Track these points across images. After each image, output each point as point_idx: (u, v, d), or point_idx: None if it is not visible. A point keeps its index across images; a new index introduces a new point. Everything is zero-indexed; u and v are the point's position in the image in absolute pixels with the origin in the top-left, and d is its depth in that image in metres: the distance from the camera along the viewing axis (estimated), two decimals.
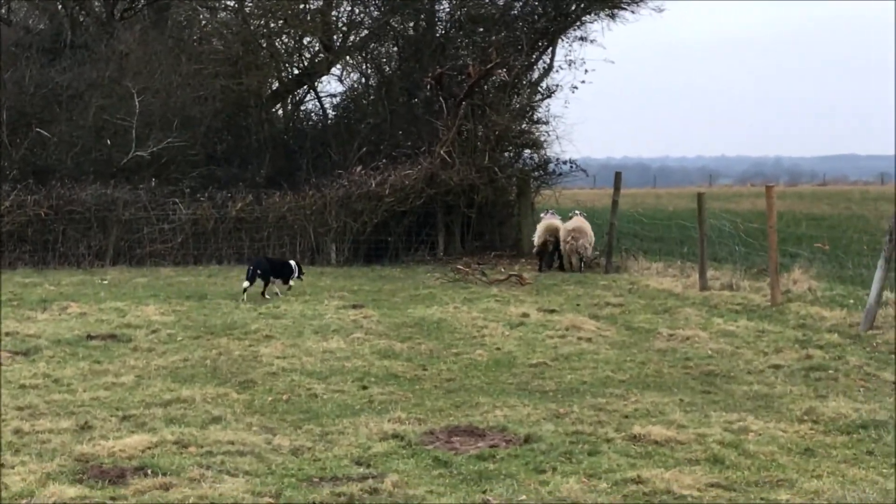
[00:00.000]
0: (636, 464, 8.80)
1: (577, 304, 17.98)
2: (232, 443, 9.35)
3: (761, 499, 7.95)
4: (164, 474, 8.42)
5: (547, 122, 28.47)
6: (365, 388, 11.80)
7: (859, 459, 9.05)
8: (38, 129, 27.21)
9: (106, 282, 21.94)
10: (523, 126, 27.85)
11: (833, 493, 8.05)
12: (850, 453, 9.24)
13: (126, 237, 25.59)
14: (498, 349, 14.13)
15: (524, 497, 7.99)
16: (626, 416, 10.47)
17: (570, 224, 23.47)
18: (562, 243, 23.32)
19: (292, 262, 20.09)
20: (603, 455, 9.04)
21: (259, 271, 18.99)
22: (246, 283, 18.67)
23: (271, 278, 19.21)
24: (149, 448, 9.14)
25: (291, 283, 19.66)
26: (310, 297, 19.03)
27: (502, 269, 23.30)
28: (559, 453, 9.08)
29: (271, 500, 7.90)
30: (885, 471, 8.69)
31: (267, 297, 18.85)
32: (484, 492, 8.12)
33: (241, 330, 15.34)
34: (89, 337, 14.70)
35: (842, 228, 31.84)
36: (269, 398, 11.32)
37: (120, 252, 25.47)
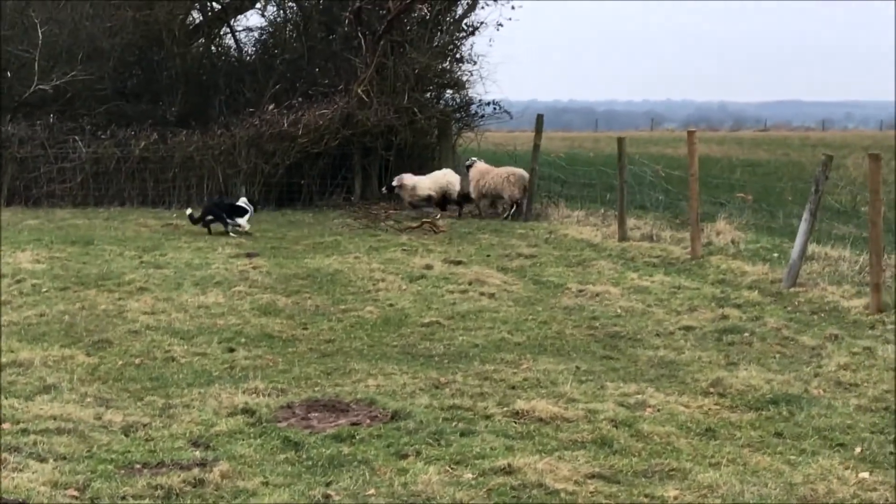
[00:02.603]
0: (513, 447, 7.71)
1: (488, 255, 16.87)
2: (55, 418, 8.17)
3: (645, 496, 6.86)
4: None
5: (474, 62, 27.12)
6: (231, 350, 10.65)
7: (765, 443, 8.00)
8: None
9: None
10: (445, 65, 26.53)
11: (730, 487, 6.99)
12: (755, 435, 8.19)
13: (22, 176, 24.12)
14: (391, 305, 12.99)
15: (372, 491, 6.86)
16: (513, 387, 9.38)
17: (501, 170, 22.33)
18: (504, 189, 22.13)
19: (243, 201, 20.05)
20: (477, 436, 7.94)
21: (211, 217, 19.36)
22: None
23: (228, 220, 19.35)
24: None
25: (241, 222, 19.46)
26: (205, 243, 17.79)
27: (416, 216, 22.10)
28: (428, 433, 7.96)
29: (75, 494, 6.73)
30: (791, 458, 7.65)
31: (232, 234, 19.01)
32: (328, 484, 6.99)
33: (115, 281, 14.09)
34: None
35: (777, 175, 30.93)
36: (120, 362, 10.13)
37: (15, 192, 24.01)
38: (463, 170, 23.17)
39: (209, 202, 21.01)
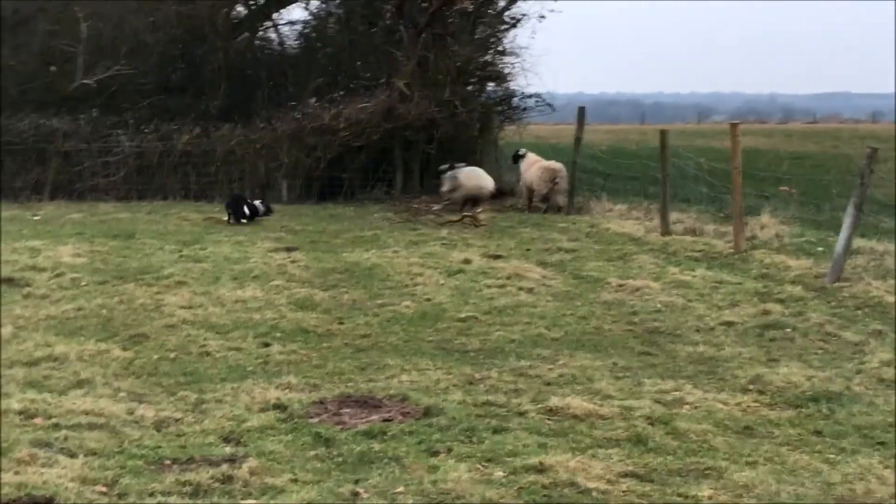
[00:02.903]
0: (545, 444, 7.61)
1: (527, 249, 16.74)
2: (87, 413, 8.15)
3: (679, 495, 6.74)
4: None
5: (518, 55, 26.91)
6: (266, 345, 10.59)
7: (804, 441, 7.86)
8: None
9: (38, 217, 20.66)
10: (487, 57, 26.37)
11: (766, 487, 6.86)
12: (794, 433, 8.04)
13: (66, 170, 24.22)
14: (428, 300, 12.90)
15: (401, 489, 6.78)
16: (548, 384, 9.27)
17: (546, 164, 22.24)
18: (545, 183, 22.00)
19: (258, 203, 20.57)
20: (510, 433, 7.84)
21: (231, 211, 20.06)
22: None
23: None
24: None
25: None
26: (245, 237, 17.79)
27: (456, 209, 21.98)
28: (460, 430, 7.88)
29: (103, 490, 6.69)
30: (830, 457, 7.50)
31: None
32: (357, 481, 6.92)
33: (154, 275, 14.08)
34: None
35: (825, 168, 30.54)
36: (155, 356, 10.10)
37: (59, 186, 24.09)
38: (504, 163, 23.05)
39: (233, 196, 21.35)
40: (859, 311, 12.30)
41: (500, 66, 26.62)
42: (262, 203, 20.74)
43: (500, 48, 26.70)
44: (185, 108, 26.11)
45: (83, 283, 13.53)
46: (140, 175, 24.32)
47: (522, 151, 23.14)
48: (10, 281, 13.49)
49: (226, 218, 20.06)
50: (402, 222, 20.47)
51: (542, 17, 26.68)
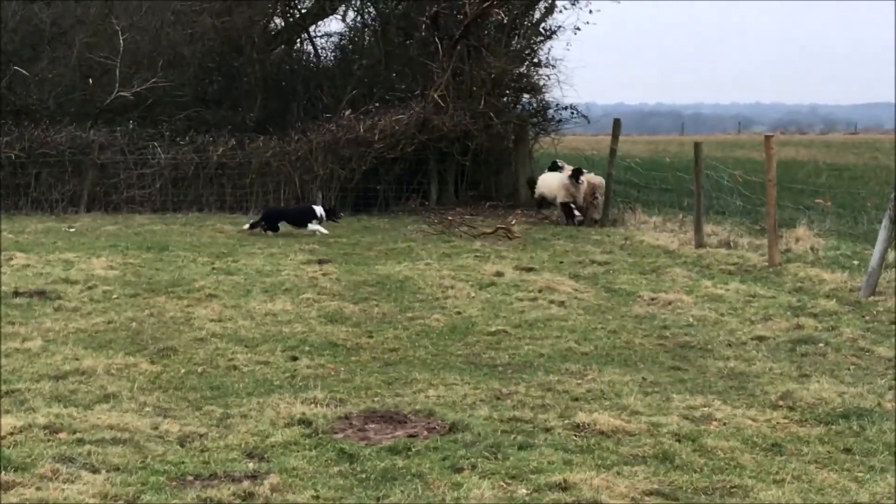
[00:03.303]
0: (571, 461, 7.53)
1: (560, 262, 16.67)
2: (112, 427, 8.13)
3: None
4: (14, 469, 7.18)
5: (553, 66, 26.85)
6: (295, 359, 10.56)
7: (833, 459, 7.74)
8: (16, 68, 25.91)
9: (73, 230, 20.79)
10: (522, 69, 26.34)
11: None
12: (823, 451, 7.93)
13: (102, 182, 24.38)
14: (458, 313, 12.84)
15: None
16: (576, 399, 9.19)
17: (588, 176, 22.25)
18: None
19: (317, 208, 20.71)
20: (535, 449, 7.77)
21: (262, 222, 20.24)
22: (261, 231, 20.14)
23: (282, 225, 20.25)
24: (11, 434, 7.91)
25: (312, 227, 20.13)
26: (278, 249, 17.81)
27: (491, 221, 21.95)
28: (485, 446, 7.81)
29: None
30: (859, 475, 7.38)
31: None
32: (379, 499, 6.87)
33: (185, 287, 14.12)
34: (16, 293, 13.48)
35: (863, 180, 30.27)
36: (183, 370, 10.08)
37: (95, 198, 24.27)
38: (540, 174, 23.00)
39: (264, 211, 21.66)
40: (893, 326, 12.14)
41: (536, 77, 26.66)
42: (326, 208, 20.92)
43: (535, 59, 26.71)
44: (221, 120, 26.27)
45: (114, 296, 13.57)
46: (175, 187, 24.44)
47: (561, 163, 23.11)
48: (41, 294, 13.55)
49: (252, 228, 20.26)
50: (436, 234, 20.45)
51: (578, 28, 26.72)
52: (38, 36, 27.11)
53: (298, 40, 30.08)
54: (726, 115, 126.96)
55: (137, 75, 26.22)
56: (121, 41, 26.04)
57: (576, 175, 21.77)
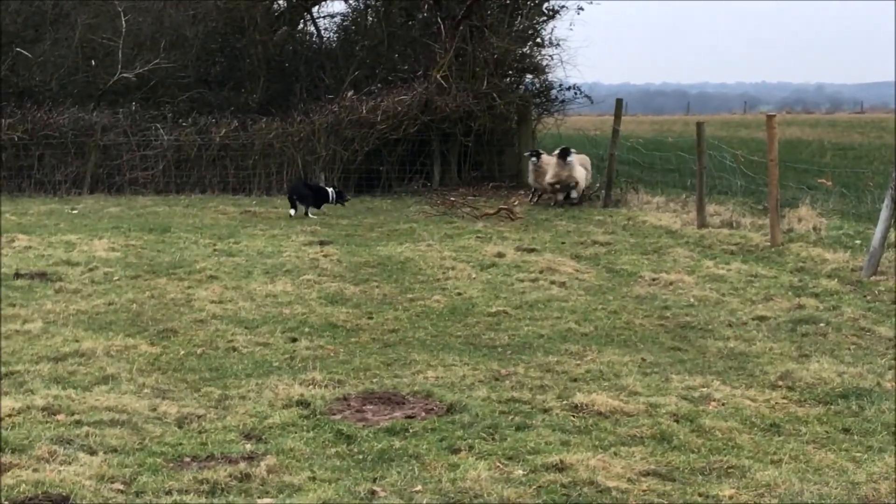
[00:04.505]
0: (568, 442, 7.53)
1: (562, 243, 16.66)
2: (110, 409, 8.13)
3: (700, 494, 6.65)
4: (12, 451, 7.19)
5: (557, 46, 26.78)
6: (294, 340, 10.56)
7: (831, 439, 7.73)
8: (18, 49, 25.89)
9: (76, 211, 20.81)
10: (525, 49, 26.27)
11: (788, 486, 6.75)
12: (821, 431, 7.91)
13: (105, 164, 24.38)
14: (459, 294, 12.83)
15: (419, 488, 6.72)
16: (575, 380, 9.19)
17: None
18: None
19: (329, 189, 20.73)
20: (532, 430, 7.77)
21: (296, 196, 20.13)
22: (292, 211, 19.94)
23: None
24: (10, 416, 7.91)
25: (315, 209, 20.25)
26: (280, 230, 17.81)
27: (494, 202, 21.91)
28: (482, 427, 7.80)
29: (120, 488, 6.68)
30: (857, 455, 7.37)
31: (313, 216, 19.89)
32: (375, 479, 6.87)
33: (187, 269, 14.12)
34: (17, 275, 13.49)
35: (868, 160, 30.18)
36: (182, 352, 10.09)
37: (98, 180, 24.30)
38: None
39: (292, 185, 21.65)
40: (895, 306, 12.12)
41: (539, 58, 26.59)
42: (333, 189, 20.84)
43: (538, 40, 26.62)
44: (223, 102, 26.27)
45: (115, 278, 13.58)
46: (178, 168, 24.45)
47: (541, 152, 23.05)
48: (42, 275, 13.56)
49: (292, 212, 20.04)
50: (438, 215, 20.43)
51: (581, 8, 26.73)
52: (40, 17, 27.08)
53: (301, 21, 30.01)
54: (732, 95, 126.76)
55: (140, 57, 26.21)
56: (123, 22, 26.04)
57: (563, 154, 21.66)
